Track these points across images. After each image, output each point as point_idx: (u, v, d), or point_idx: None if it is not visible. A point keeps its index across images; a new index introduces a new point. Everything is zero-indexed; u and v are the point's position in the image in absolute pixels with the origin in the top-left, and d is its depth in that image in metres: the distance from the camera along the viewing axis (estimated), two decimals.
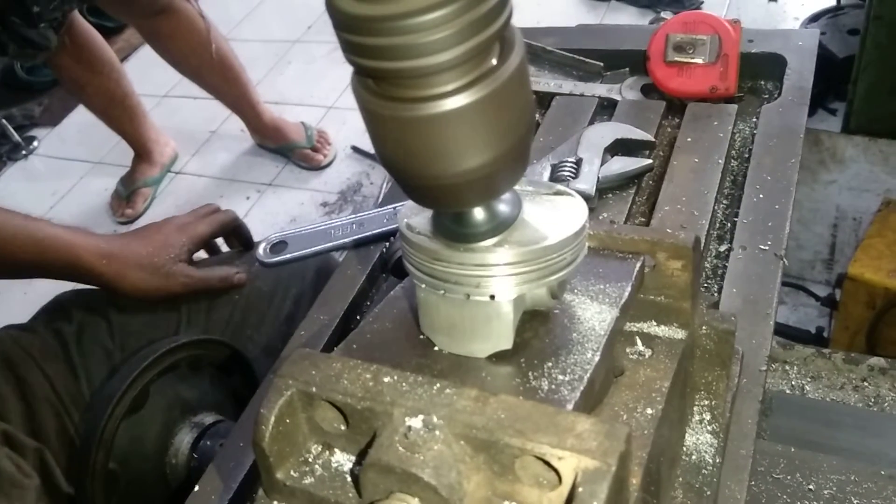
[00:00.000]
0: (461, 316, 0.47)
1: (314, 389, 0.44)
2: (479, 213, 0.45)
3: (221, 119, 2.92)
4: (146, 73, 2.98)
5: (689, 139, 0.94)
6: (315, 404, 0.45)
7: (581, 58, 1.10)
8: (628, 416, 0.50)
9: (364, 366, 0.44)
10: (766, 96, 1.03)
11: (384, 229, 0.94)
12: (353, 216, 0.96)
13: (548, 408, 0.40)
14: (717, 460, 0.60)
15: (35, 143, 3.17)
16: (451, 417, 0.40)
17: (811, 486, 0.80)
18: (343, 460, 0.46)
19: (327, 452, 0.46)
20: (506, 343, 0.47)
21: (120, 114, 2.54)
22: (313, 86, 3.02)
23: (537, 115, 1.07)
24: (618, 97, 1.04)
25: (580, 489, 0.37)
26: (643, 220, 0.89)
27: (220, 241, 1.24)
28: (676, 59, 0.99)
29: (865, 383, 0.97)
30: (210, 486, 0.74)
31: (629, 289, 0.52)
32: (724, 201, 0.90)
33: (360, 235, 0.95)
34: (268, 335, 1.16)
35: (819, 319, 1.90)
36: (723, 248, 0.85)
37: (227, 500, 0.72)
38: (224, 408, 1.05)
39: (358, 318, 0.89)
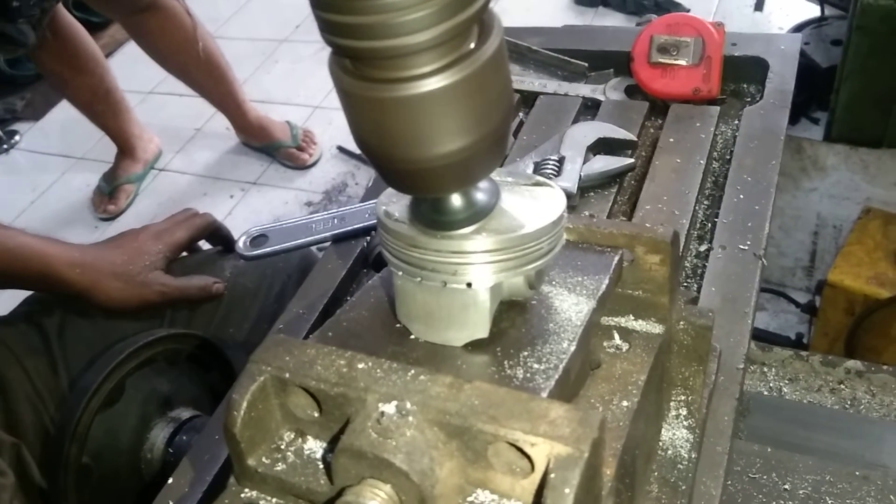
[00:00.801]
0: (438, 304, 0.47)
1: (287, 375, 0.44)
2: (456, 200, 0.45)
3: (206, 117, 2.90)
4: (132, 70, 2.96)
5: (671, 140, 0.95)
6: (288, 390, 0.44)
7: (566, 58, 1.10)
8: (604, 409, 0.50)
9: (338, 352, 0.44)
10: (749, 99, 1.04)
11: (365, 224, 0.93)
12: (335, 211, 0.96)
13: (521, 395, 0.40)
14: (693, 456, 0.60)
15: (17, 138, 3.13)
16: (424, 403, 0.40)
17: (787, 486, 0.81)
18: (316, 447, 0.45)
19: (300, 439, 0.46)
20: (482, 332, 0.47)
21: (103, 109, 2.52)
22: (300, 85, 3.02)
23: (521, 114, 1.07)
24: (602, 97, 1.05)
25: (552, 475, 0.37)
26: (624, 218, 0.89)
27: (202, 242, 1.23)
28: (660, 60, 0.99)
29: (842, 386, 0.98)
30: (184, 479, 0.73)
31: (607, 281, 0.52)
32: (706, 201, 0.91)
33: (341, 230, 0.94)
34: (251, 331, 1.16)
35: (799, 326, 1.92)
36: (703, 248, 0.85)
37: (201, 493, 0.71)
38: (201, 403, 1.04)
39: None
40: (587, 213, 0.88)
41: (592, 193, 0.90)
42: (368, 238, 0.93)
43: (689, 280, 0.82)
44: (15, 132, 3.15)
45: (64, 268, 1.06)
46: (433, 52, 0.36)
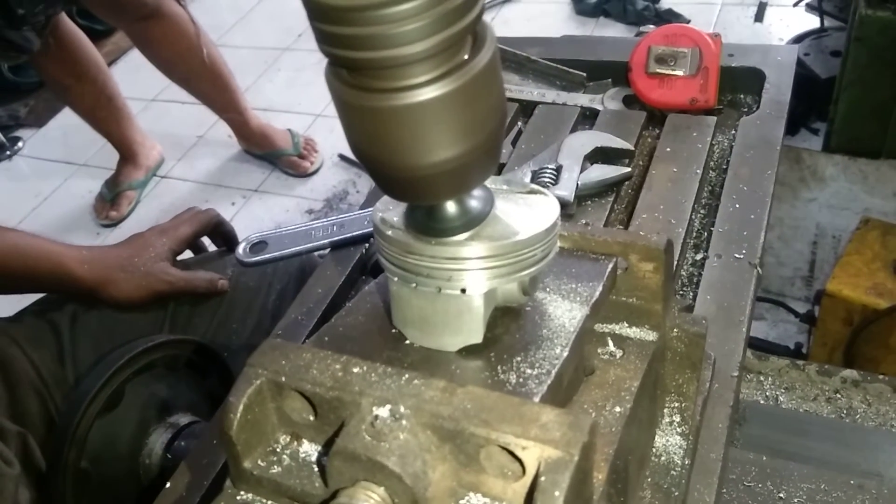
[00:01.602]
0: (433, 309, 0.47)
1: (283, 379, 0.44)
2: (451, 208, 0.45)
3: (209, 124, 2.92)
4: (135, 77, 2.98)
5: (668, 149, 0.95)
6: (284, 394, 0.45)
7: (564, 68, 1.11)
8: (597, 414, 0.50)
9: (334, 356, 0.44)
10: (745, 109, 1.04)
11: (364, 231, 0.94)
12: (334, 218, 0.97)
13: (513, 399, 0.40)
14: (686, 462, 0.60)
15: (20, 144, 3.15)
16: (418, 407, 0.41)
17: (782, 495, 0.81)
18: (311, 451, 0.46)
19: (295, 443, 0.46)
20: (476, 337, 0.48)
21: (105, 116, 2.53)
22: (302, 93, 3.03)
23: (520, 124, 1.08)
24: (599, 107, 1.06)
25: (542, 478, 0.37)
26: (621, 227, 0.90)
27: (206, 240, 1.24)
28: (658, 70, 1.00)
29: (838, 395, 0.98)
30: (182, 483, 0.73)
31: (600, 288, 0.53)
32: (702, 211, 0.92)
33: (340, 237, 0.95)
34: (252, 331, 1.16)
35: (798, 335, 1.92)
36: (699, 257, 0.86)
37: (198, 497, 0.71)
38: (200, 408, 1.04)
39: None
40: (584, 221, 0.88)
41: (589, 202, 0.91)
42: (367, 245, 0.94)
43: (685, 288, 0.83)
44: (18, 139, 3.17)
45: (73, 264, 1.07)
46: (428, 62, 0.37)
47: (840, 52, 1.84)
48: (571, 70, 1.11)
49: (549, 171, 0.90)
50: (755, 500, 0.81)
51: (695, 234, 0.89)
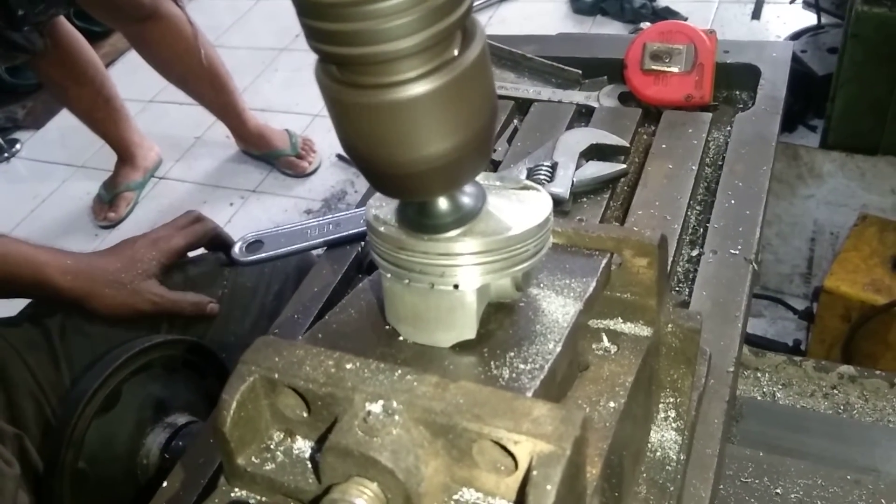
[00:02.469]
0: (426, 305, 0.47)
1: (276, 375, 0.44)
2: (442, 204, 0.45)
3: (206, 125, 2.92)
4: (132, 78, 2.98)
5: (663, 146, 0.96)
6: (277, 390, 0.45)
7: (560, 65, 1.11)
8: (591, 409, 0.50)
9: (327, 353, 0.44)
10: (741, 105, 1.05)
11: (360, 230, 0.94)
12: (330, 216, 0.97)
13: (506, 393, 0.40)
14: (682, 457, 0.60)
15: (18, 146, 3.15)
16: (410, 402, 0.41)
17: (779, 490, 0.81)
18: (304, 447, 0.46)
19: (289, 439, 0.46)
20: (469, 333, 0.48)
21: (103, 117, 2.53)
22: (299, 94, 3.03)
23: (516, 121, 1.08)
24: (595, 104, 1.06)
25: (534, 472, 0.37)
26: (616, 223, 0.89)
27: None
28: (653, 67, 1.00)
29: (835, 391, 0.98)
30: (179, 483, 0.73)
31: (594, 283, 0.53)
32: (698, 207, 0.92)
33: (336, 235, 0.95)
34: (250, 330, 1.16)
35: (797, 332, 1.92)
36: (695, 253, 0.86)
37: (195, 496, 0.71)
38: (197, 409, 1.04)
39: None
40: (579, 218, 0.88)
41: (585, 199, 0.91)
42: (363, 243, 0.94)
43: (681, 285, 0.83)
44: (16, 141, 3.17)
45: (56, 275, 1.05)
46: (417, 57, 0.37)
47: (837, 49, 1.84)
48: (567, 67, 1.11)
49: (544, 168, 0.90)
50: (752, 496, 0.81)
51: (690, 230, 0.89)
